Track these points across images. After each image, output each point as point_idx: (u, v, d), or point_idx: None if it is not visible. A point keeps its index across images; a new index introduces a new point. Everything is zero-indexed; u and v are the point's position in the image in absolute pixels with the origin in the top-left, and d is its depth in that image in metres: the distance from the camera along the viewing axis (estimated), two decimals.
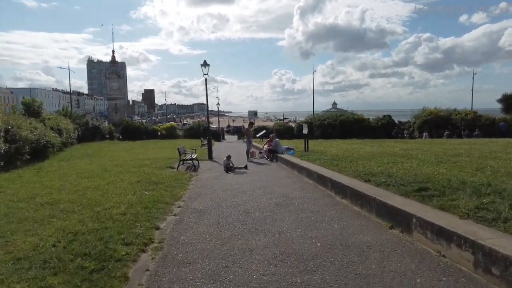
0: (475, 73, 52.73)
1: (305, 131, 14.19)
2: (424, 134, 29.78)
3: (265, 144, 16.02)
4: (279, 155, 13.67)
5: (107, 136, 37.48)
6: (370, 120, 37.40)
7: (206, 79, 16.31)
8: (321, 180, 8.12)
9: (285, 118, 53.50)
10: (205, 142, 25.60)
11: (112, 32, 71.04)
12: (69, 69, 50.20)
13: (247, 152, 14.95)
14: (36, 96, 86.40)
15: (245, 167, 11.94)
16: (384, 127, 35.51)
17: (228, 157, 11.97)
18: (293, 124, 46.22)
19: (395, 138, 31.70)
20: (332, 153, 12.64)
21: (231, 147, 25.19)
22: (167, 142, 30.65)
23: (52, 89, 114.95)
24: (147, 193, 7.68)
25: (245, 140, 15.67)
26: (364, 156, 10.95)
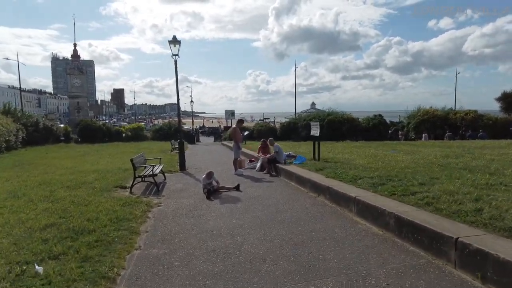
0: (459, 73, 51.43)
1: (315, 132, 10.34)
2: (423, 135, 26.96)
3: (258, 152, 11.94)
4: (280, 166, 9.71)
5: (62, 138, 32.15)
6: (360, 120, 34.45)
7: (176, 65, 12.11)
8: (424, 238, 3.87)
9: (266, 118, 49.80)
10: (177, 145, 21.33)
11: (74, 23, 64.46)
12: (18, 61, 43.78)
13: (235, 162, 10.85)
14: None
15: (237, 188, 7.89)
16: (377, 128, 32.62)
17: (210, 175, 7.88)
18: (277, 125, 42.55)
19: (392, 139, 28.83)
20: (358, 163, 8.88)
21: (208, 152, 20.98)
22: (131, 146, 25.98)
23: (9, 86, 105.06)
24: (39, 270, 3.49)
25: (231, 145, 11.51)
26: (418, 170, 7.25)
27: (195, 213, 6.03)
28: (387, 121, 35.75)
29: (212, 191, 7.41)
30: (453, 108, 37.01)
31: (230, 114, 49.27)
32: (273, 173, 9.88)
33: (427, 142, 21.95)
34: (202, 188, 7.85)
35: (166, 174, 10.50)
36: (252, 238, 4.49)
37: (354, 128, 32.89)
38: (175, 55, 11.91)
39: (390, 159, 9.59)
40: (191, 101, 52.96)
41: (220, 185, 7.91)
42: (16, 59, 46.44)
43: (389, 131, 33.29)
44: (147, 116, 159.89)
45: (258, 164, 11.09)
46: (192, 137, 34.67)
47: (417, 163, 8.67)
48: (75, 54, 58.13)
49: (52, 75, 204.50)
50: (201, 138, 42.49)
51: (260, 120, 46.47)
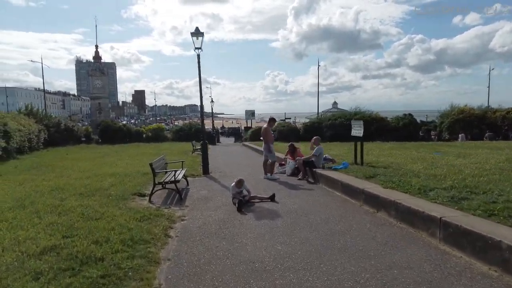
0: (493, 69, 48.38)
1: (357, 131, 9.03)
2: (460, 135, 24.97)
3: (286, 155, 10.66)
4: (318, 171, 8.47)
5: (83, 139, 31.93)
6: (389, 119, 32.61)
7: (199, 59, 11.06)
8: None
9: (287, 118, 48.36)
10: (198, 146, 20.34)
11: (96, 26, 65.37)
12: (42, 64, 44.30)
13: (266, 165, 9.62)
14: (15, 96, 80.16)
15: (272, 198, 6.70)
16: (407, 128, 30.73)
17: (240, 183, 6.69)
18: (298, 125, 41.13)
19: (425, 140, 27.01)
20: (412, 169, 7.53)
21: (230, 153, 19.92)
22: (151, 147, 25.26)
23: (35, 88, 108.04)
24: None
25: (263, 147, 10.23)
26: (495, 179, 5.88)
27: (227, 232, 4.89)
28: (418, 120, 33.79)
29: (243, 202, 6.26)
30: (488, 107, 34.61)
31: (250, 114, 48.20)
32: (310, 179, 8.65)
33: (468, 143, 20.09)
34: (231, 197, 6.72)
35: (188, 179, 9.49)
36: (312, 276, 3.30)
37: (382, 128, 31.12)
38: (198, 48, 10.86)
39: (446, 164, 8.19)
40: (211, 101, 52.28)
41: (252, 195, 6.75)
42: (41, 62, 47.08)
43: (420, 131, 31.40)
44: (167, 117, 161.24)
45: (289, 168, 9.86)
46: (212, 137, 33.78)
47: (482, 169, 7.26)
48: (97, 56, 58.58)
49: (76, 78, 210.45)
50: (221, 138, 41.63)
51: (281, 120, 44.96)
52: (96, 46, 58.37)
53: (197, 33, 10.78)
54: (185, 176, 8.89)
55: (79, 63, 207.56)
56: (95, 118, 53.61)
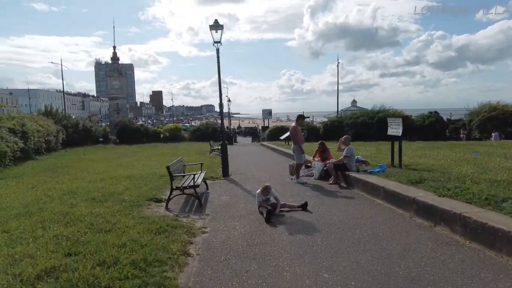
0: None
1: (395, 130, 8.11)
2: (493, 134, 23.38)
3: (314, 156, 9.76)
4: (353, 174, 7.59)
5: (101, 139, 31.90)
6: (414, 118, 31.16)
7: (218, 53, 10.34)
8: None
9: (306, 117, 47.39)
10: (216, 146, 19.68)
11: (113, 27, 65.48)
12: (61, 65, 44.81)
13: (296, 168, 8.76)
14: (38, 97, 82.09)
15: (303, 207, 5.87)
16: (433, 126, 29.24)
17: (267, 190, 5.86)
18: (316, 124, 39.99)
19: (453, 139, 25.55)
20: (462, 172, 6.56)
21: (249, 153, 19.15)
22: (169, 147, 24.83)
23: (56, 90, 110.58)
24: None
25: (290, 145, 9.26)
26: None
27: (256, 250, 4.12)
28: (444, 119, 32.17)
29: (272, 212, 5.45)
30: None
31: (268, 113, 47.34)
32: (342, 183, 7.78)
33: (506, 143, 18.65)
34: (256, 205, 5.94)
35: (207, 181, 8.79)
36: None
37: (407, 127, 29.45)
38: (217, 42, 10.14)
39: (500, 167, 7.17)
40: (228, 101, 51.76)
41: (281, 202, 5.94)
42: (61, 64, 47.66)
43: (447, 130, 29.84)
44: (184, 117, 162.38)
45: (316, 171, 9.00)
46: (230, 137, 33.18)
47: None
48: (115, 57, 58.98)
49: (95, 79, 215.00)
50: (238, 138, 41.00)
51: None
52: (114, 47, 58.77)
53: (216, 26, 10.06)
54: (204, 179, 8.19)
55: (98, 65, 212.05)
56: (113, 118, 53.96)
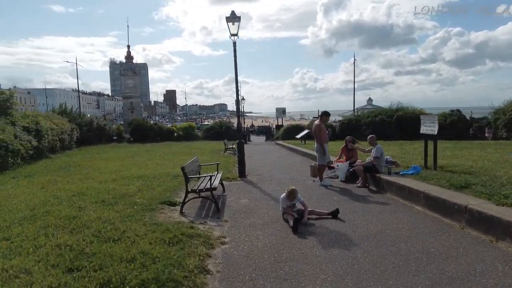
0: None
1: (429, 128, 7.37)
2: None
3: (339, 158, 9.01)
4: (384, 177, 6.90)
5: (115, 138, 31.84)
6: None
7: (235, 47, 9.77)
8: None
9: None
10: (230, 145, 19.17)
11: (127, 26, 65.42)
12: (76, 63, 45.11)
13: (318, 170, 8.10)
14: (54, 96, 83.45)
15: (334, 215, 5.21)
16: (455, 125, 28.02)
17: (293, 194, 5.22)
18: (334, 123, 39.06)
19: (476, 138, 24.37)
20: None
21: (264, 152, 18.53)
22: (182, 146, 24.46)
23: (72, 89, 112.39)
24: None
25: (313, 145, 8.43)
26: None
27: (286, 268, 3.51)
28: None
29: (299, 220, 4.82)
30: None
31: (281, 112, 46.61)
32: (372, 186, 7.10)
33: None
34: (280, 211, 5.34)
35: (223, 182, 8.23)
36: None
37: None
38: (234, 35, 9.57)
39: None
40: (242, 99, 51.21)
41: (309, 209, 5.32)
42: (76, 63, 48.06)
43: (471, 129, 28.56)
44: (197, 116, 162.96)
45: (341, 172, 8.32)
46: (244, 136, 32.65)
47: None
48: (129, 56, 59.17)
49: (110, 78, 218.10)
50: (251, 137, 40.42)
51: (314, 117, 43.09)
52: (128, 46, 58.87)
53: (233, 17, 9.50)
54: (221, 181, 7.64)
55: (113, 65, 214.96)
56: (127, 117, 54.23)
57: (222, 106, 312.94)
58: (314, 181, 8.22)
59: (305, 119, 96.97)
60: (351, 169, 8.08)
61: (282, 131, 32.73)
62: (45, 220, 5.25)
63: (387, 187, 6.62)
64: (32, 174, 11.29)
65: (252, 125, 66.83)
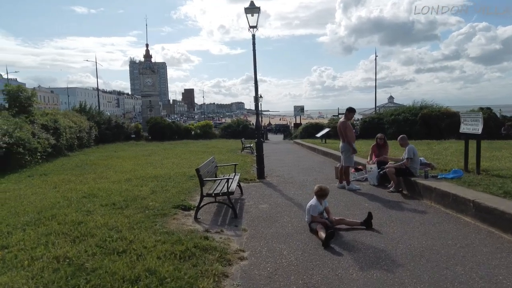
0: None
1: (472, 127, 6.59)
2: None
3: (370, 159, 8.21)
4: (420, 181, 6.17)
5: (133, 136, 31.93)
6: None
7: (254, 39, 9.19)
8: None
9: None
10: (248, 144, 18.62)
11: (146, 25, 65.74)
12: (96, 62, 45.70)
13: (345, 172, 7.39)
14: (76, 95, 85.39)
15: (367, 225, 4.55)
16: (486, 124, 26.44)
17: (324, 193, 4.64)
18: (355, 121, 37.87)
19: (510, 138, 22.90)
20: None
21: (282, 152, 17.86)
22: (200, 144, 24.14)
23: (93, 88, 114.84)
24: None
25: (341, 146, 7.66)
26: None
27: None
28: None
29: (333, 234, 4.15)
30: None
31: (300, 110, 45.78)
32: (405, 191, 6.37)
33: None
34: (306, 219, 4.72)
35: (241, 183, 7.68)
36: None
37: (455, 124, 27.12)
38: (253, 27, 8.99)
39: None
40: (260, 97, 50.62)
41: (337, 217, 4.68)
42: (95, 62, 48.72)
43: (502, 128, 26.97)
44: (215, 115, 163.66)
45: (372, 175, 7.58)
46: (261, 134, 32.08)
47: None
48: (147, 54, 59.92)
49: (130, 77, 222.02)
50: (269, 136, 39.80)
51: (333, 116, 41.98)
52: (147, 45, 59.70)
53: (251, 8, 8.91)
54: (238, 183, 7.09)
55: (132, 64, 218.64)
56: (146, 115, 54.75)
57: (240, 105, 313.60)
58: (340, 184, 7.53)
59: (323, 118, 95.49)
60: (381, 172, 7.36)
61: (301, 130, 31.95)
62: (49, 225, 4.84)
63: (425, 192, 5.88)
64: (47, 172, 11.09)
65: (269, 124, 66.23)
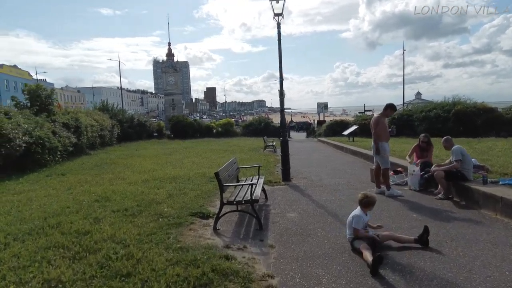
0: None
1: None
2: None
3: (410, 158, 7.22)
4: (475, 186, 5.22)
5: (155, 134, 31.94)
6: (501, 110, 26.43)
7: (279, 28, 8.40)
8: None
9: (367, 110, 43.09)
10: (270, 143, 17.84)
11: (168, 23, 66.17)
12: (119, 61, 46.25)
13: (383, 175, 6.48)
14: (101, 94, 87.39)
15: (423, 242, 3.72)
16: None
17: (371, 202, 3.85)
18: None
19: None
20: None
21: (307, 151, 16.94)
22: (221, 142, 23.62)
23: (117, 87, 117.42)
24: None
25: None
26: None
27: None
28: None
29: (382, 258, 3.32)
30: None
31: (323, 107, 44.58)
32: (455, 198, 5.43)
33: None
34: (348, 237, 3.92)
35: (265, 186, 6.91)
36: None
37: (492, 121, 25.21)
38: (278, 14, 8.21)
39: None
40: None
41: (384, 233, 3.86)
42: (118, 62, 49.36)
43: None
44: (236, 113, 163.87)
45: (414, 179, 6.62)
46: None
47: None
48: (169, 53, 60.15)
49: (153, 77, 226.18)
50: (291, 133, 38.85)
51: (359, 113, 40.48)
52: (169, 44, 59.94)
53: None
54: (263, 190, 6.35)
55: (156, 63, 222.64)
56: (168, 113, 55.02)
57: (261, 103, 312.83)
58: (376, 189, 6.63)
59: (347, 115, 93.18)
60: (425, 175, 6.42)
61: (325, 127, 30.80)
62: (51, 236, 4.30)
63: (486, 201, 4.93)
64: (66, 172, 10.80)
65: (291, 121, 65.17)
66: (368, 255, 3.32)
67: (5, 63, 52.54)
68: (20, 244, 4.08)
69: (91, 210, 5.60)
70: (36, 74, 56.23)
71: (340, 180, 8.08)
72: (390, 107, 6.68)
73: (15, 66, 54.74)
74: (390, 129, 6.82)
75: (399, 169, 7.48)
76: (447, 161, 6.39)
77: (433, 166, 6.26)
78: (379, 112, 6.89)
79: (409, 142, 15.52)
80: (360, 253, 3.52)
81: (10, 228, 4.75)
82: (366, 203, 3.88)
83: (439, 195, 5.82)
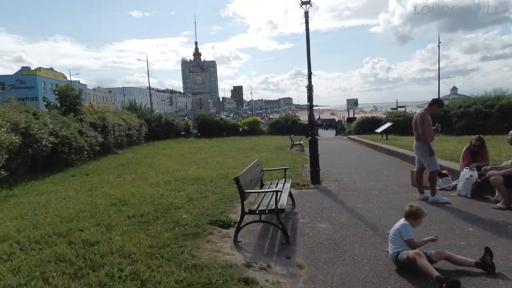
0: None
1: None
2: None
3: (463, 162, 6.28)
4: None
5: (183, 133, 32.13)
6: None
7: (307, 17, 7.74)
8: None
9: (400, 107, 40.97)
10: (298, 141, 17.09)
11: (195, 23, 66.76)
12: (147, 61, 47.02)
13: (429, 179, 5.62)
14: (131, 94, 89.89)
15: (486, 265, 3.02)
16: None
17: (417, 219, 3.20)
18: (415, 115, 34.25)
19: None
20: None
21: (337, 150, 16.04)
22: (247, 141, 23.16)
23: (147, 87, 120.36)
24: None
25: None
26: None
27: None
28: None
29: (457, 283, 2.65)
30: None
31: (353, 103, 43.08)
32: None
33: None
34: (391, 252, 3.25)
35: (292, 190, 6.28)
36: None
37: None
38: (306, 2, 7.54)
39: None
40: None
41: (436, 250, 3.15)
42: (146, 62, 50.19)
43: None
44: (263, 111, 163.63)
45: (465, 183, 5.75)
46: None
47: None
48: (196, 52, 60.68)
49: (182, 76, 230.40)
50: (319, 131, 37.77)
51: (392, 109, 38.56)
52: (196, 43, 60.42)
53: None
54: (291, 195, 5.74)
55: (184, 63, 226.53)
56: (196, 112, 55.49)
57: (287, 100, 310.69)
58: (420, 195, 5.83)
59: (377, 111, 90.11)
60: (478, 180, 5.55)
61: (355, 125, 29.52)
62: (58, 246, 3.95)
63: None
64: (90, 172, 10.71)
65: (319, 118, 63.79)
66: (426, 265, 2.65)
67: (44, 67, 55.16)
68: (23, 256, 3.75)
69: (106, 216, 5.26)
70: (70, 75, 58.50)
71: (376, 184, 7.30)
72: (436, 103, 5.88)
73: (51, 69, 57.20)
74: (434, 127, 6.01)
75: (444, 171, 6.60)
76: (504, 163, 5.51)
77: (491, 173, 5.38)
78: (423, 108, 6.08)
79: (447, 140, 14.31)
80: (410, 272, 2.84)
81: (20, 235, 4.47)
82: (417, 216, 3.19)
83: (498, 204, 4.96)
